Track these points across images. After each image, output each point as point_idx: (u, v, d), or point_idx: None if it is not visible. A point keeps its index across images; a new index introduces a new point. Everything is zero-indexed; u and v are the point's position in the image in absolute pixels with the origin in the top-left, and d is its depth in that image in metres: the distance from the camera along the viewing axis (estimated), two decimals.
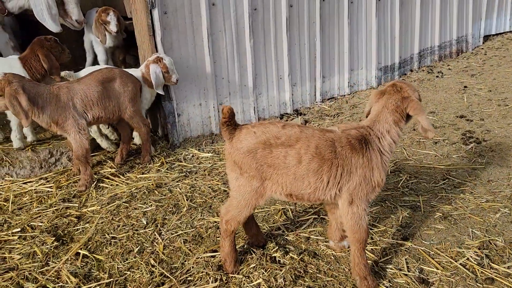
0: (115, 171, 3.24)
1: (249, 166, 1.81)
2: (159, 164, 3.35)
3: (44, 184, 3.06)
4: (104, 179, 3.12)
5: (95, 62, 4.38)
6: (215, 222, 2.51)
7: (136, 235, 2.42)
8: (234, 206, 1.92)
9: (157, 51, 3.45)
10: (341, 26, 4.68)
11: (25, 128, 3.32)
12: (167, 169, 3.26)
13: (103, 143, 3.48)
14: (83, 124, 2.91)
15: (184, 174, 3.18)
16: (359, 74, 5.06)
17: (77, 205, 2.79)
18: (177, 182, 3.06)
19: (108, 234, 2.44)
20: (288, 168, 1.79)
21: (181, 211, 2.65)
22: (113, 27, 3.75)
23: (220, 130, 2.15)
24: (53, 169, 3.29)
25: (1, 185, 3.05)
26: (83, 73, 3.30)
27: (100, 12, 3.75)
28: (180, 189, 2.94)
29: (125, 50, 4.17)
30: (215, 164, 3.38)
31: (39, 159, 3.25)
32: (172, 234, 2.41)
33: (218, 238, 2.33)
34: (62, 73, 3.14)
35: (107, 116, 3.05)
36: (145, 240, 2.37)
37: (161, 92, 3.35)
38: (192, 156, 3.55)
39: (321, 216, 2.53)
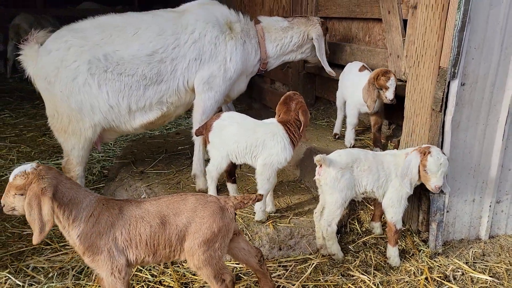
0: (368, 279, 2.56)
1: None
2: (423, 279, 2.54)
3: (287, 278, 2.57)
4: None
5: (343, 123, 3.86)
6: None
7: None
8: None
9: (443, 131, 2.66)
10: None
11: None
12: None
13: None
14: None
15: None
16: None
17: None
18: None
19: None
20: None
21: None
22: (390, 95, 3.11)
23: None
24: (291, 253, 2.81)
25: (241, 267, 2.68)
26: None
27: (379, 74, 3.14)
28: None
29: (385, 118, 3.50)
30: None
31: (279, 238, 2.80)
32: None
33: None
34: (316, 158, 2.58)
35: (157, 260, 2.14)
36: None
37: (407, 188, 2.55)
38: (462, 274, 2.64)
39: None
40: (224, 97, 3.29)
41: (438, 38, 2.61)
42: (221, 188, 3.23)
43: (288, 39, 3.55)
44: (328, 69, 3.71)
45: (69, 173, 3.17)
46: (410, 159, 2.53)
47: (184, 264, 2.72)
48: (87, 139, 3.05)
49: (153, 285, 2.54)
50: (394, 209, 2.66)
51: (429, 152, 2.47)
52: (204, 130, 2.89)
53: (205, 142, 3.02)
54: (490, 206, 2.93)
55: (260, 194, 2.24)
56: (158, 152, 4.30)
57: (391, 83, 3.11)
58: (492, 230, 3.03)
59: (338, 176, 2.58)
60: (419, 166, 2.50)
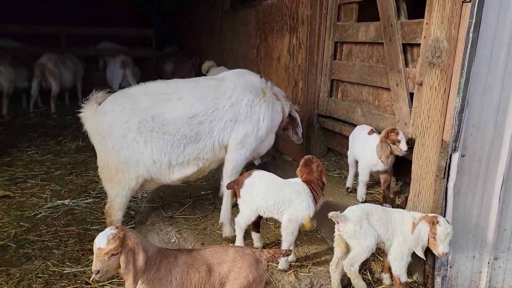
0: None
1: None
2: None
3: None
4: None
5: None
6: None
7: None
8: None
9: (446, 197, 3.06)
10: None
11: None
12: None
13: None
14: None
15: None
16: None
17: None
18: None
19: None
20: None
21: None
22: (403, 146, 3.53)
23: None
24: None
25: None
26: None
27: (388, 132, 3.60)
28: None
29: (391, 176, 3.92)
30: None
31: (300, 287, 3.13)
32: None
33: None
34: (330, 215, 2.94)
35: None
36: None
37: (420, 254, 2.86)
38: None
39: None
40: (253, 154, 3.72)
41: (441, 115, 3.06)
42: (244, 236, 3.58)
43: (288, 106, 4.07)
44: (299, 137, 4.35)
45: (110, 217, 3.54)
46: (420, 228, 2.84)
47: None
48: (130, 188, 3.43)
49: None
50: (397, 262, 2.99)
51: (438, 222, 2.79)
52: (236, 185, 3.28)
53: (235, 195, 3.41)
54: (488, 263, 3.27)
55: (289, 250, 2.61)
56: (183, 196, 4.67)
57: (401, 136, 3.55)
58: (491, 285, 3.35)
59: (357, 228, 2.91)
60: (428, 234, 2.82)
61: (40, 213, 4.59)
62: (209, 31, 10.36)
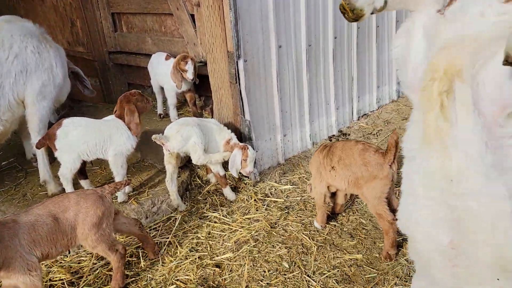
0: (219, 214, 3.48)
1: None
2: (253, 201, 3.63)
3: (161, 235, 3.25)
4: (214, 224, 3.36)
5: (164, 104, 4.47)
6: (350, 259, 2.88)
7: (287, 279, 2.74)
8: None
9: (241, 98, 3.69)
10: (371, 48, 5.13)
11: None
12: (265, 206, 3.56)
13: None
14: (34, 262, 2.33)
15: (285, 211, 3.48)
16: (383, 91, 5.56)
17: (207, 253, 3.03)
18: (284, 220, 3.37)
19: (261, 281, 2.73)
20: None
21: (312, 251, 2.99)
22: (190, 75, 3.91)
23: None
24: (156, 218, 3.46)
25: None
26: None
27: (179, 60, 3.89)
28: (293, 228, 3.26)
29: (196, 93, 4.31)
30: (303, 197, 3.72)
31: (143, 209, 3.40)
32: (320, 275, 2.76)
33: (365, 275, 2.72)
34: (152, 137, 3.22)
35: (59, 251, 2.51)
36: (301, 285, 2.69)
37: (234, 174, 3.52)
38: (275, 189, 3.86)
39: None
40: (54, 103, 3.50)
41: (221, 30, 3.54)
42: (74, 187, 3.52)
43: None
44: None
45: None
46: (235, 154, 3.42)
47: (66, 258, 3.05)
48: None
49: (45, 284, 2.82)
50: (213, 165, 3.57)
51: (248, 148, 3.44)
52: (48, 140, 3.12)
53: (49, 150, 3.25)
54: (280, 140, 4.22)
55: (129, 179, 2.81)
56: None
57: (189, 66, 3.98)
58: (285, 155, 4.37)
59: (179, 138, 3.23)
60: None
61: None
62: None
